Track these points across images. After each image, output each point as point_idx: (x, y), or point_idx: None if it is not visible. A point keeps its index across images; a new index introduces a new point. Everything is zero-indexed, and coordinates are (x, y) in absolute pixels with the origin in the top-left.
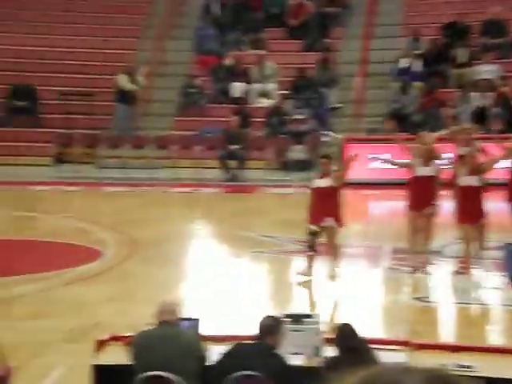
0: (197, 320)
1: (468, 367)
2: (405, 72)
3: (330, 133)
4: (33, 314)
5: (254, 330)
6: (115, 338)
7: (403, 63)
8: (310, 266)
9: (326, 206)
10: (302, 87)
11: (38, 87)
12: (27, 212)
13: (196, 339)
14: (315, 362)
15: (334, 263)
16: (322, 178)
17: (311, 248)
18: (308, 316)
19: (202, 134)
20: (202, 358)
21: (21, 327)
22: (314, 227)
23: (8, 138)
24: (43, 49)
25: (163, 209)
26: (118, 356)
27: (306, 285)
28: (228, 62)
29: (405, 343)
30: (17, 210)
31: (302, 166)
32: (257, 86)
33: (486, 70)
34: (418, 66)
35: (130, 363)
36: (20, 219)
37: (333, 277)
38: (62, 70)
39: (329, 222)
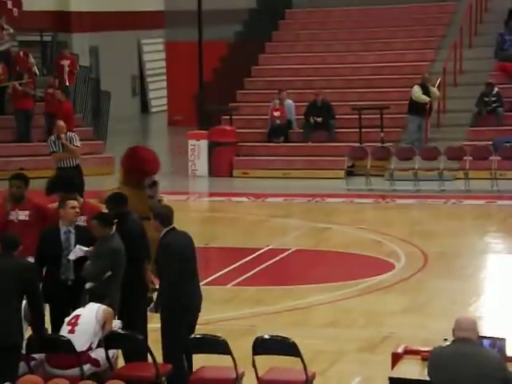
0: (503, 340)
1: None
2: None
3: None
4: (329, 322)
5: None
6: (411, 352)
7: None
8: None
9: None
10: None
11: (333, 103)
12: (323, 223)
13: (499, 360)
14: None
15: None
16: None
17: None
18: None
19: (497, 143)
20: (507, 381)
21: (319, 334)
22: None
23: (306, 153)
24: (338, 65)
25: (455, 221)
26: (414, 370)
27: None
28: None
29: None
30: (313, 221)
31: None
32: None
33: None
34: None
35: (427, 379)
36: (316, 230)
37: None
38: (356, 85)
39: None
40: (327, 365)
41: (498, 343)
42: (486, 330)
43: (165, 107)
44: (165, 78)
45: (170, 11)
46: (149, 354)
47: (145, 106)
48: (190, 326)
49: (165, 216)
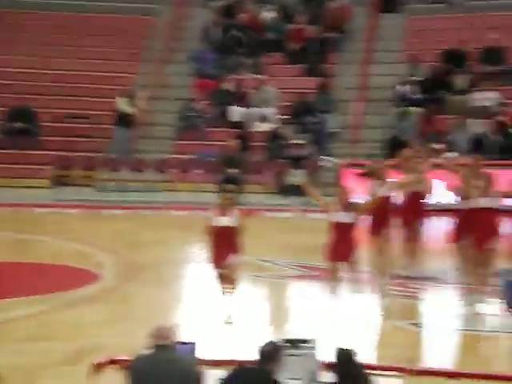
0: (193, 344)
1: None
2: (403, 98)
3: (328, 158)
4: (32, 336)
5: (251, 354)
6: (113, 361)
7: (402, 89)
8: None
9: (228, 244)
10: (302, 112)
11: (37, 109)
12: (26, 234)
13: (192, 363)
14: None
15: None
16: (223, 215)
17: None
18: (305, 341)
19: (200, 157)
20: (198, 382)
21: (19, 349)
22: (220, 270)
23: (7, 160)
24: (42, 71)
25: (162, 232)
26: (115, 380)
27: (303, 309)
28: (227, 85)
29: (401, 369)
30: (16, 232)
31: (301, 190)
32: (256, 110)
33: (485, 98)
34: (416, 92)
35: None
36: (19, 241)
37: (229, 318)
38: (61, 92)
39: (232, 259)
40: (27, 381)
41: (189, 347)
42: (183, 336)
43: None
44: None
45: None
46: None
47: None
48: None
49: None
